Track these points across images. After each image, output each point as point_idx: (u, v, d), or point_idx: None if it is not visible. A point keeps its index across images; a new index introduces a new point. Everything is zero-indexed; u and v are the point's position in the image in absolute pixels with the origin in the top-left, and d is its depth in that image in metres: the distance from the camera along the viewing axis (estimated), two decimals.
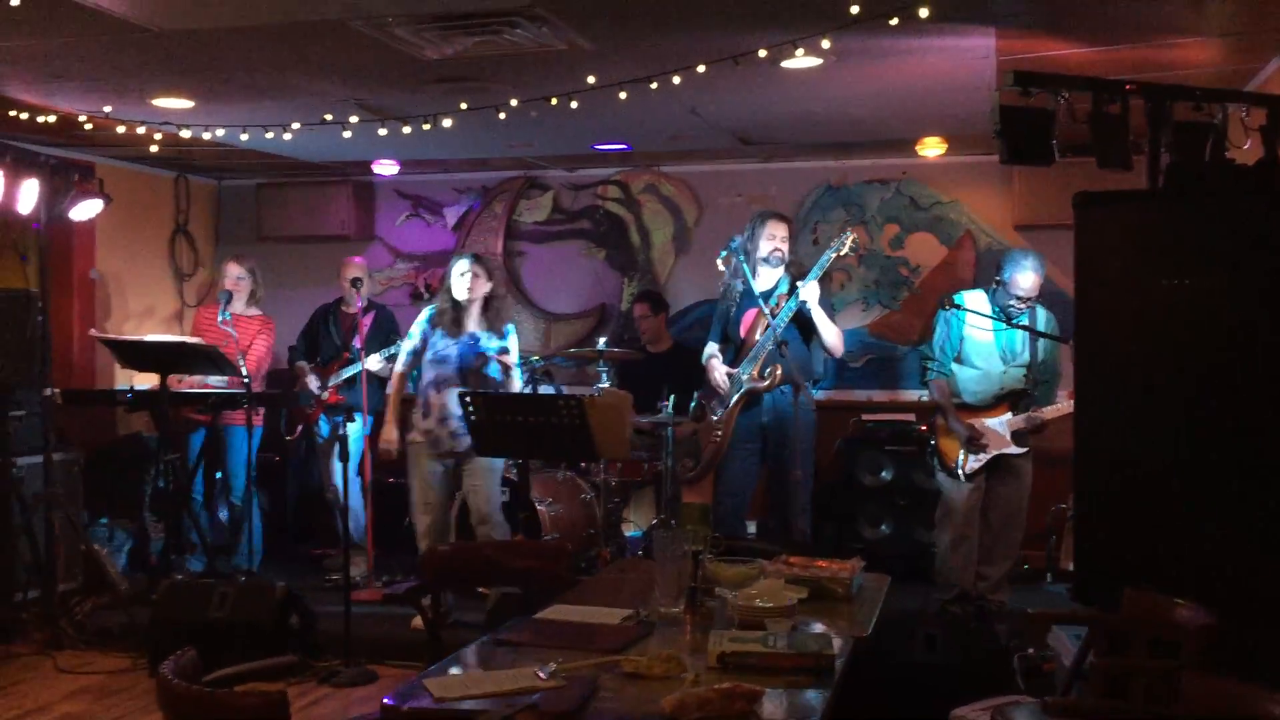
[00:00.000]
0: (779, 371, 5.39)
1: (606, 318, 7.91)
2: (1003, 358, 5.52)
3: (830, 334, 5.52)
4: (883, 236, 7.44)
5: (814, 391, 5.81)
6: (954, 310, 5.53)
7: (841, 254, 5.47)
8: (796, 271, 5.61)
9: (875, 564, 3.80)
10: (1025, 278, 5.37)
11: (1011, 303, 5.42)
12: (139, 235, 7.87)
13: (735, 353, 5.66)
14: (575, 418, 4.72)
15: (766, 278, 5.63)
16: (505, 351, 5.50)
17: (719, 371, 5.65)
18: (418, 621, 5.11)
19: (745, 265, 5.57)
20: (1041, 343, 5.48)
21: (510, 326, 5.68)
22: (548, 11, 4.20)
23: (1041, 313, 5.55)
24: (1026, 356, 5.51)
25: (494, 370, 5.49)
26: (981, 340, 5.53)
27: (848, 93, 5.49)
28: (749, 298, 5.61)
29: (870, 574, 3.63)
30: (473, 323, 5.55)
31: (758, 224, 5.66)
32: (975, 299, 5.58)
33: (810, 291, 5.40)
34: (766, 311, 5.47)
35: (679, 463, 5.96)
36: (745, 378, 5.49)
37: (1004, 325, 5.48)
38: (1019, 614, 5.01)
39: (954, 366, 5.58)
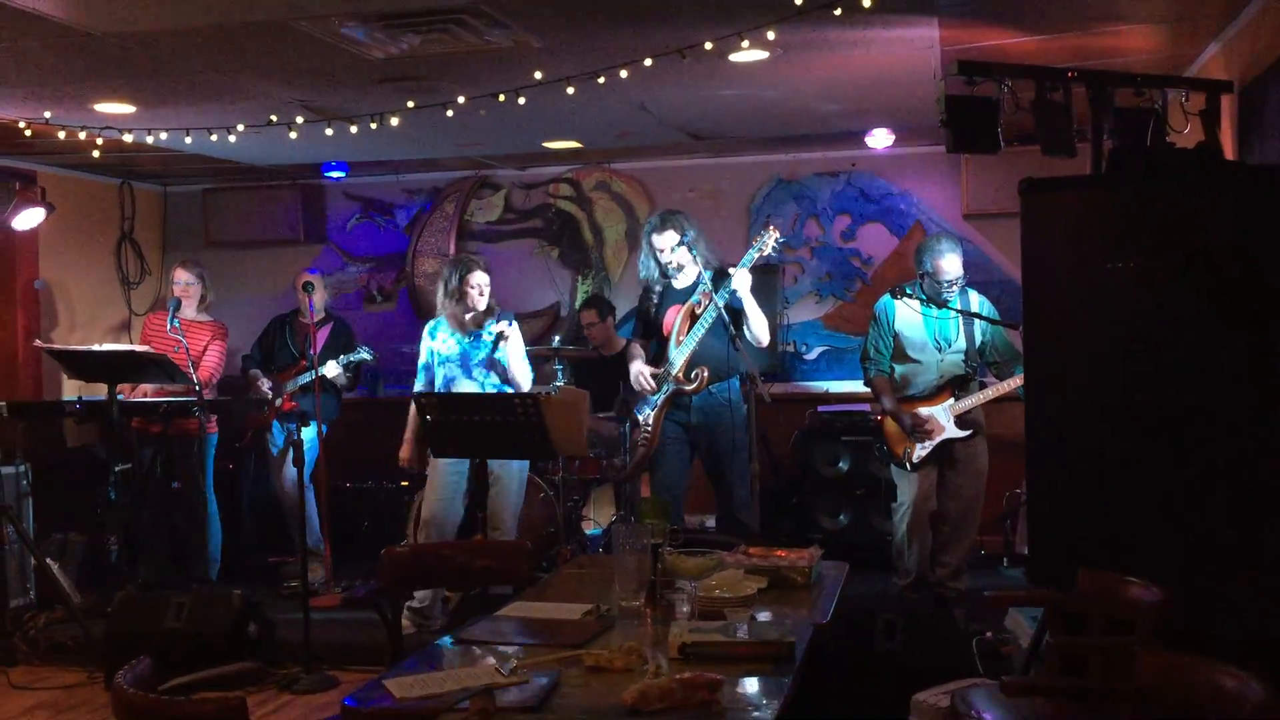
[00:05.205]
0: (705, 373, 5.21)
1: (560, 316, 7.91)
2: (937, 345, 5.55)
3: (759, 322, 5.26)
4: (834, 229, 7.49)
5: (732, 384, 5.42)
6: (884, 306, 5.58)
7: (764, 252, 5.17)
8: (718, 264, 5.36)
9: (833, 553, 3.83)
10: (948, 261, 5.41)
11: (941, 290, 5.46)
12: (84, 243, 7.76)
13: (658, 350, 5.47)
14: (531, 416, 4.70)
15: (685, 277, 5.38)
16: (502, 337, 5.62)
17: (643, 374, 5.40)
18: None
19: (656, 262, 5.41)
20: (979, 325, 5.52)
21: (509, 314, 5.81)
22: (494, 9, 4.18)
23: (973, 295, 5.59)
24: (963, 342, 5.54)
25: (500, 356, 5.59)
26: (913, 332, 5.57)
27: (795, 86, 5.52)
28: (670, 295, 5.43)
29: (829, 562, 3.66)
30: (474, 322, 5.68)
31: (645, 239, 5.49)
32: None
33: (742, 280, 5.13)
34: (703, 301, 5.21)
35: (608, 462, 5.91)
36: (671, 378, 5.34)
37: (933, 314, 5.50)
38: (976, 597, 5.06)
39: (892, 364, 5.61)
